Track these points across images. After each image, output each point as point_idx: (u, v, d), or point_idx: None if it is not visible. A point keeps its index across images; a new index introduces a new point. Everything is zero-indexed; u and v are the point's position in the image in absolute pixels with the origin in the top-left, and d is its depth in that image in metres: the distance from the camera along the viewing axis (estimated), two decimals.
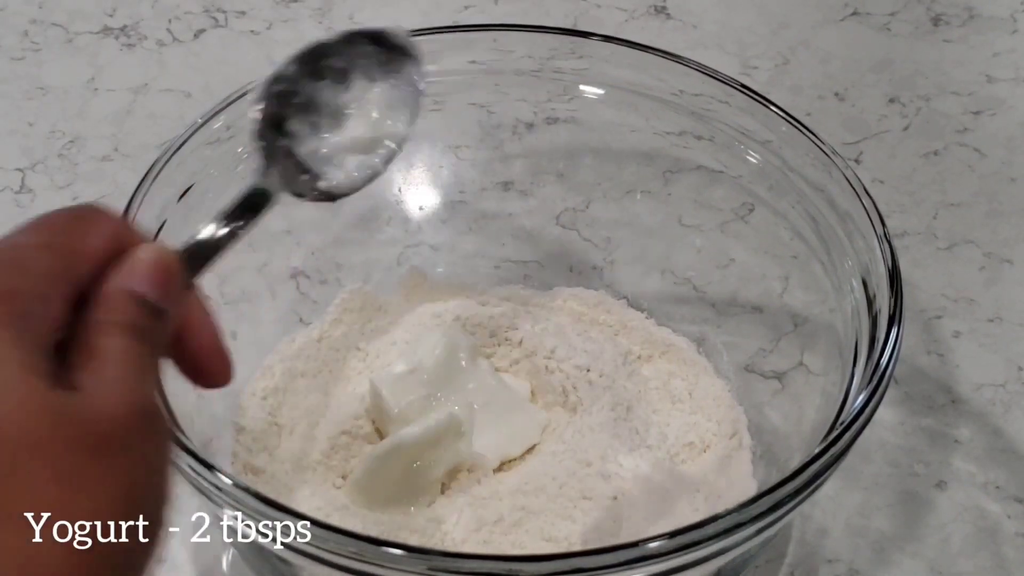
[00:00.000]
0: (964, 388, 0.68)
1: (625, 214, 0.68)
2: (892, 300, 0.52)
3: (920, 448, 0.65)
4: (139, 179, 0.56)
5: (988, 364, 0.69)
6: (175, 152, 0.58)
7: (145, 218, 0.55)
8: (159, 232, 0.56)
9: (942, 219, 0.77)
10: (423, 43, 0.64)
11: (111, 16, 0.91)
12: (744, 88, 0.62)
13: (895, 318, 0.51)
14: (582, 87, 0.67)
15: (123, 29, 0.90)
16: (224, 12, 0.92)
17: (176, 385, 0.52)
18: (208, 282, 0.59)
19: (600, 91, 0.66)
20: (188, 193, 0.58)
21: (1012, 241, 0.76)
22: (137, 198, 0.55)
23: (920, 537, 0.61)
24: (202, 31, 0.90)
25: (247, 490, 0.45)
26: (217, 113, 0.60)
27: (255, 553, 0.50)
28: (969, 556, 0.60)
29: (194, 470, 0.46)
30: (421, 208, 0.69)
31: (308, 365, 0.62)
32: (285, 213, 0.65)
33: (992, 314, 0.72)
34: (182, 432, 0.48)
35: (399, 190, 0.68)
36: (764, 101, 0.62)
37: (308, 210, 0.65)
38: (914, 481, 0.63)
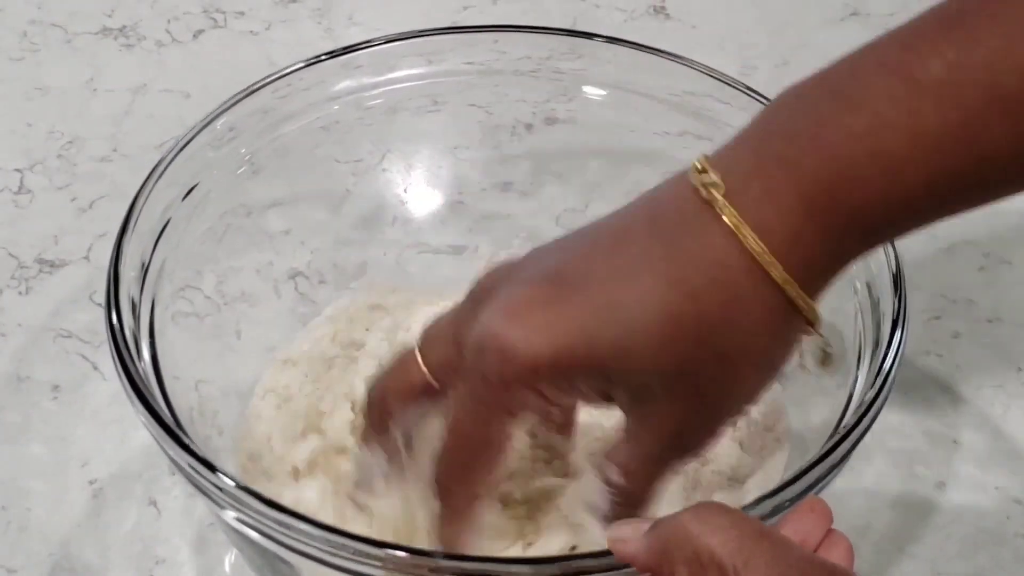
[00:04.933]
0: (964, 389, 0.68)
1: None
2: (896, 304, 0.52)
3: (920, 449, 0.65)
4: (138, 180, 0.56)
5: (988, 365, 0.69)
6: (180, 151, 0.58)
7: (149, 217, 0.55)
8: (163, 231, 0.56)
9: None
10: (422, 43, 0.66)
11: (110, 16, 0.91)
12: (745, 88, 0.62)
13: (898, 322, 0.51)
14: (582, 87, 0.67)
15: (122, 29, 0.90)
16: (223, 12, 0.92)
17: (176, 384, 0.52)
18: (208, 282, 0.60)
19: (600, 91, 0.66)
20: (192, 192, 0.58)
21: (1012, 241, 0.76)
22: (141, 197, 0.55)
23: (920, 538, 0.61)
24: (201, 31, 0.90)
25: (248, 491, 0.45)
26: (221, 113, 0.60)
27: (257, 554, 0.49)
28: (969, 557, 0.60)
29: (195, 470, 0.46)
30: (421, 209, 0.69)
31: (311, 366, 0.62)
32: (285, 213, 0.66)
33: (992, 314, 0.72)
34: (183, 432, 0.48)
35: (399, 191, 0.68)
36: (765, 101, 0.62)
37: (308, 211, 0.66)
38: (914, 482, 0.63)
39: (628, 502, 0.47)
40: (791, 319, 0.45)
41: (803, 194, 0.43)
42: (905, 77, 0.42)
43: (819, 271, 0.44)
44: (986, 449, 0.65)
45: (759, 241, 0.43)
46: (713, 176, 0.44)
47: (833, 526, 0.41)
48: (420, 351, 0.49)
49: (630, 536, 0.40)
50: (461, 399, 0.47)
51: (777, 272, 0.43)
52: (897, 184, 0.43)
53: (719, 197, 0.43)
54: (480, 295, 0.47)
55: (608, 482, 0.47)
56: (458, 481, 0.48)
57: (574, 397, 0.46)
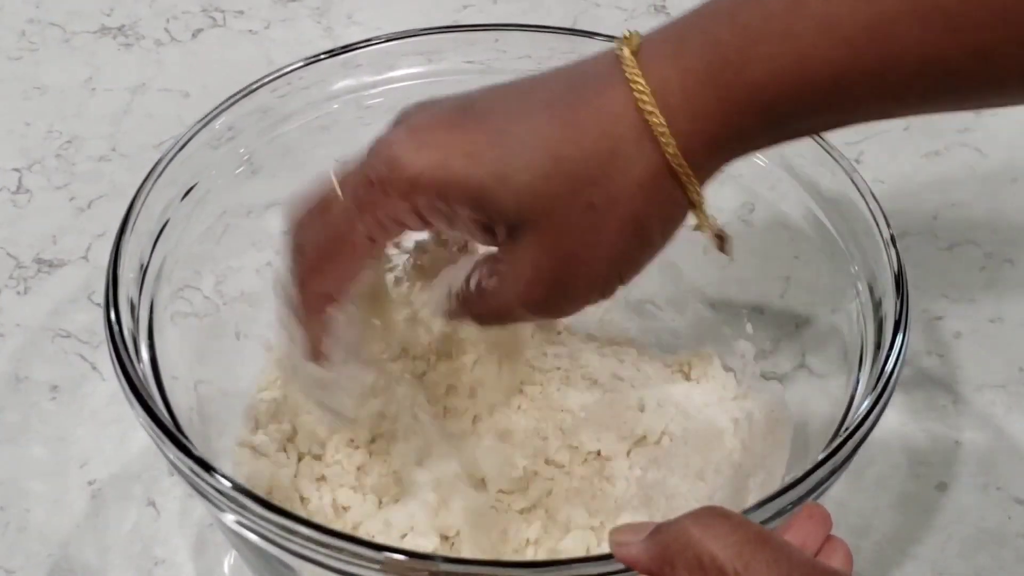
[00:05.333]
0: (965, 389, 0.67)
1: None
2: (898, 305, 0.52)
3: (921, 449, 0.65)
4: (136, 179, 0.56)
5: (989, 365, 0.69)
6: (179, 150, 0.57)
7: (148, 216, 0.55)
8: (162, 231, 0.56)
9: (942, 219, 0.77)
10: (422, 42, 0.65)
11: (109, 16, 0.91)
12: None
13: (901, 324, 0.51)
14: None
15: (121, 29, 0.90)
16: (222, 11, 0.91)
17: (175, 384, 0.52)
18: (207, 282, 0.60)
19: None
20: (191, 192, 0.58)
21: (1013, 241, 0.76)
22: (140, 196, 0.55)
23: (921, 538, 0.61)
24: (200, 31, 0.90)
25: (247, 493, 0.45)
26: (220, 112, 0.59)
27: (256, 556, 0.49)
28: (970, 557, 0.60)
29: (194, 472, 0.46)
30: None
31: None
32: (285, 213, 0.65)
33: (993, 315, 0.72)
34: (182, 434, 0.48)
35: None
36: None
37: None
38: (915, 482, 0.63)
39: (475, 313, 0.50)
40: (670, 189, 0.46)
41: (709, 61, 0.44)
42: None
43: (712, 147, 0.46)
44: (987, 449, 0.65)
45: (653, 102, 0.44)
46: (634, 40, 0.46)
47: (833, 530, 0.41)
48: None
49: (631, 540, 0.40)
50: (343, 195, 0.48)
51: (664, 136, 0.45)
52: (802, 68, 0.43)
53: (626, 53, 0.45)
54: (398, 119, 0.49)
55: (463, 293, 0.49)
56: (313, 274, 0.50)
57: (455, 226, 0.48)
